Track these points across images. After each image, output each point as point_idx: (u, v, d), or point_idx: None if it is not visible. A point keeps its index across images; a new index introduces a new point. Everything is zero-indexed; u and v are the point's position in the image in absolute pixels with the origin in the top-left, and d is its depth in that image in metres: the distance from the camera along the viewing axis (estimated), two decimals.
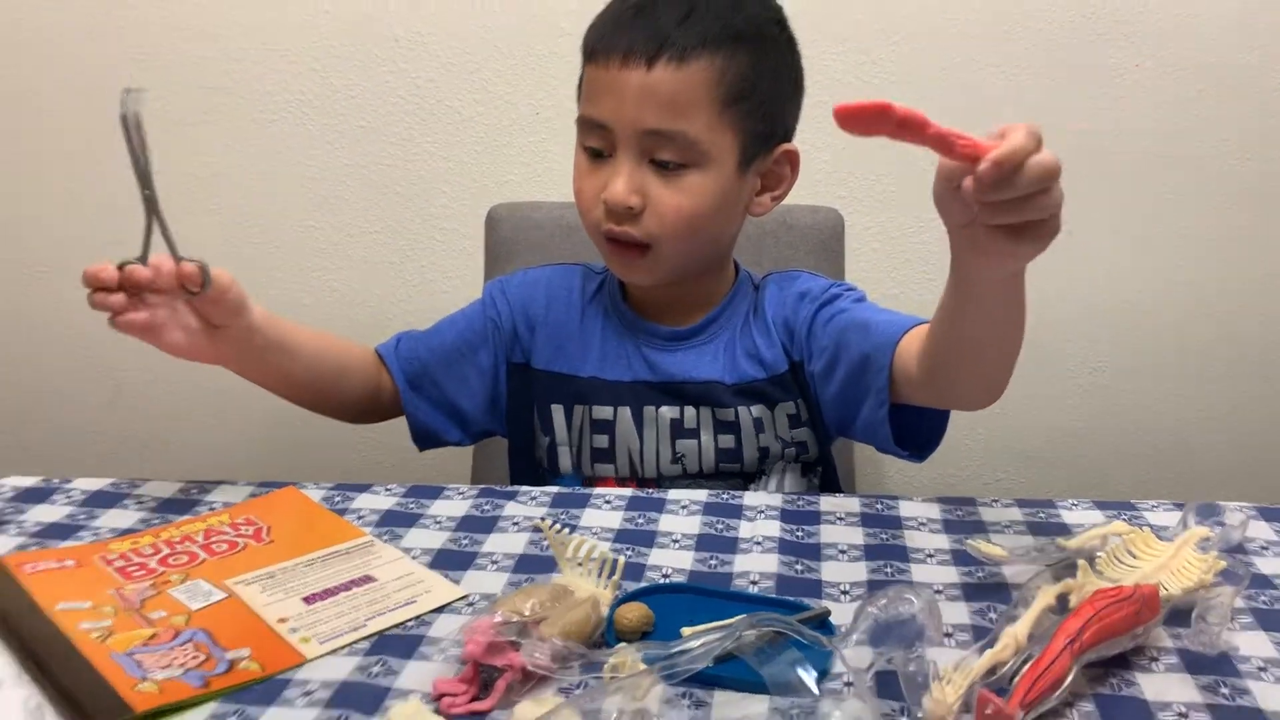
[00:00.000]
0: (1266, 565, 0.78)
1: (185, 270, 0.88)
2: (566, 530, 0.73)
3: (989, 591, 0.74)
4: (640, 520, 0.85)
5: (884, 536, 0.83)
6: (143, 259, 0.87)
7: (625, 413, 1.03)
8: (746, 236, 1.37)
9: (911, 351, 0.88)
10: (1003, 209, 0.61)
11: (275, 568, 0.78)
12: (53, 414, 1.83)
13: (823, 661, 0.63)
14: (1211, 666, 0.65)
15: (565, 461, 1.05)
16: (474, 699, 0.61)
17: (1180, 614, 0.69)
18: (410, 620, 0.71)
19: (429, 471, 1.44)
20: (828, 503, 0.89)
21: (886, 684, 0.62)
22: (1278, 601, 0.73)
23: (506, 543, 0.82)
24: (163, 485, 0.92)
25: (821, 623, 0.69)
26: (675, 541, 0.82)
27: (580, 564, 0.72)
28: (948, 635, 0.68)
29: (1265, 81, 1.54)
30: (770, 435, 1.02)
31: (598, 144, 0.94)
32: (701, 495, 0.90)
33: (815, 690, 0.58)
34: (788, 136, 1.01)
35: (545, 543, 0.81)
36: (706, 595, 0.73)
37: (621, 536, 0.83)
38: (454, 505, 0.89)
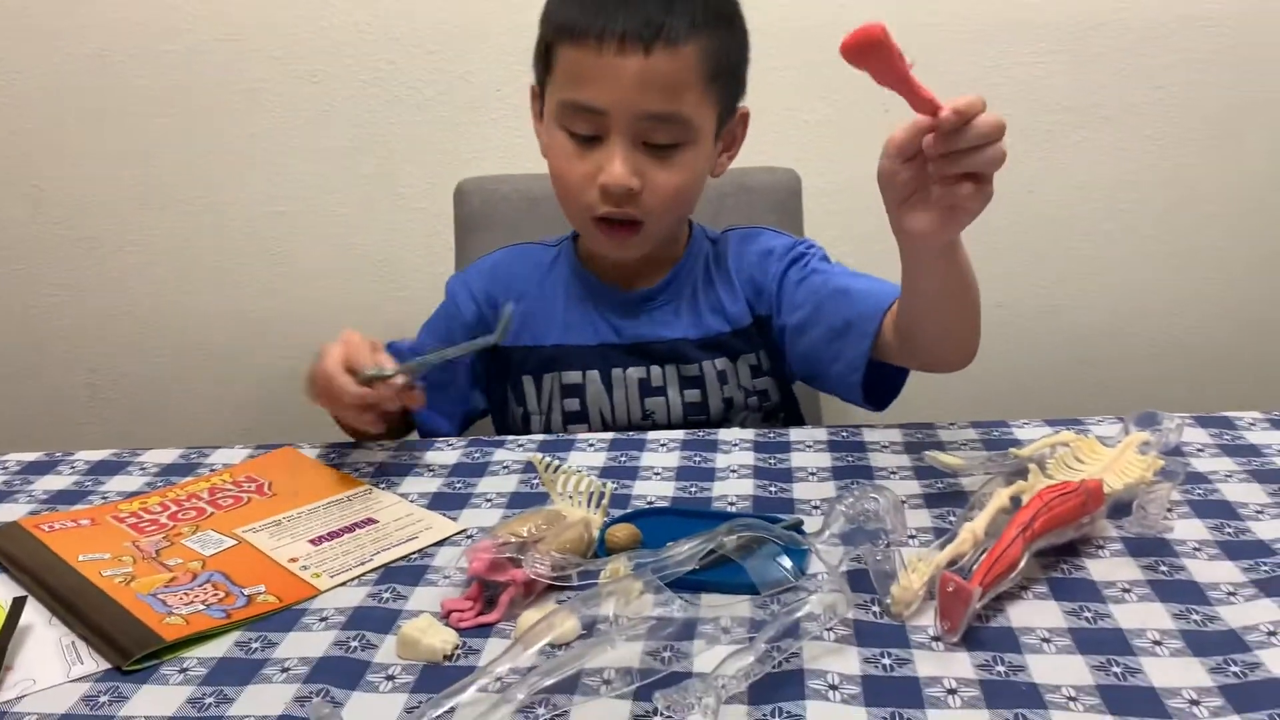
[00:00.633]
0: (1202, 464, 0.84)
1: (414, 397, 0.92)
2: (557, 462, 0.78)
3: (948, 499, 0.80)
4: (623, 458, 0.91)
5: (850, 459, 0.89)
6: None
7: (594, 375, 1.07)
8: (706, 199, 1.41)
9: (888, 321, 0.94)
10: (955, 159, 0.72)
11: (281, 516, 0.82)
12: (31, 411, 1.86)
13: (799, 560, 0.68)
14: (1152, 549, 0.71)
15: (538, 429, 1.09)
16: (480, 614, 0.67)
17: (1123, 508, 0.75)
18: (414, 554, 0.76)
19: None
20: (797, 433, 0.94)
21: (857, 580, 0.67)
22: (1212, 494, 0.79)
23: (499, 484, 0.87)
24: (163, 453, 0.96)
25: (796, 530, 0.74)
26: (657, 474, 0.87)
27: (571, 497, 0.77)
28: (911, 537, 0.74)
29: None
30: (734, 386, 1.07)
31: (588, 129, 0.95)
32: (679, 434, 0.96)
33: (794, 577, 0.63)
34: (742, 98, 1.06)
35: (537, 481, 0.86)
36: (689, 516, 0.79)
37: (606, 472, 0.88)
38: (445, 455, 0.93)
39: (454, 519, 0.81)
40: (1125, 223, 1.70)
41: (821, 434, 0.94)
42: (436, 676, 0.61)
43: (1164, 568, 0.69)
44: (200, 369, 1.83)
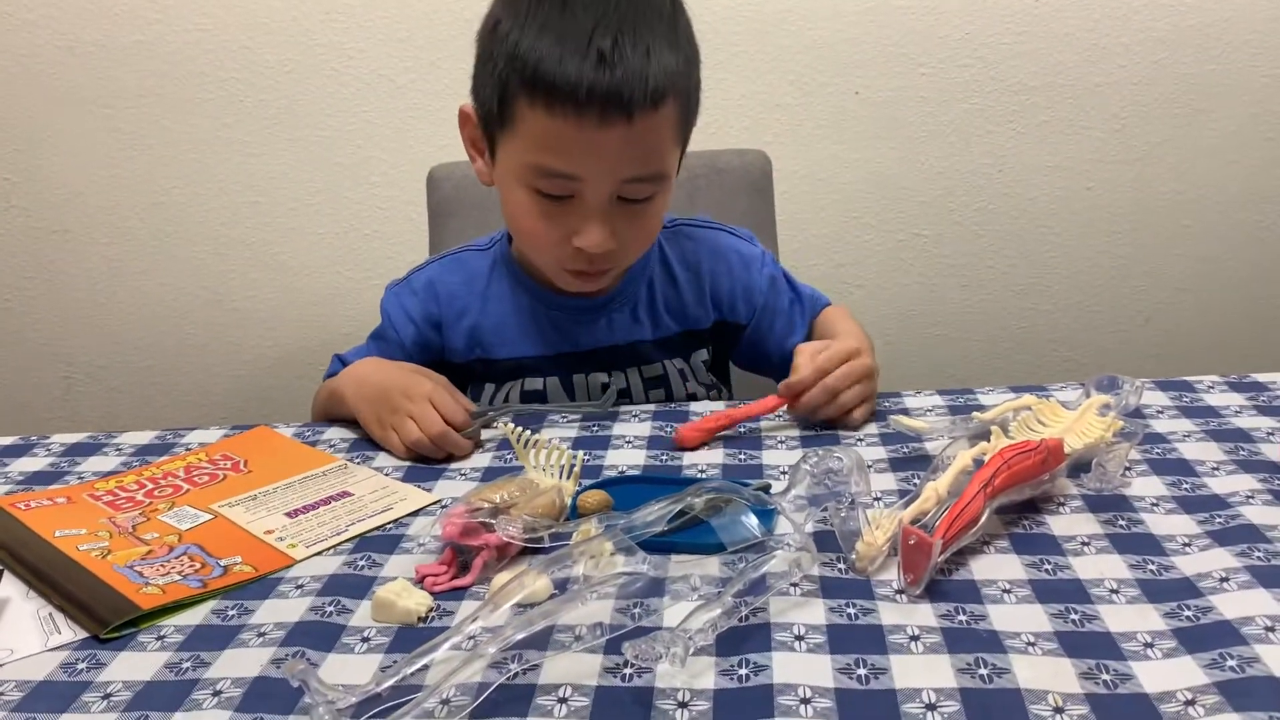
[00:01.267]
0: (1161, 425, 0.86)
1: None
2: (529, 433, 0.79)
3: (913, 463, 0.82)
4: (595, 428, 0.92)
5: (817, 428, 0.90)
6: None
7: (555, 381, 1.05)
8: (678, 183, 1.43)
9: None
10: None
11: (256, 491, 0.83)
12: (5, 405, 1.85)
13: (767, 520, 0.70)
14: (1111, 505, 0.73)
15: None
16: (454, 578, 0.68)
17: (1084, 467, 0.77)
18: (389, 524, 0.77)
19: None
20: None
21: (822, 540, 0.69)
22: (1170, 453, 0.81)
23: (474, 458, 0.88)
24: (139, 434, 0.97)
25: (763, 492, 0.75)
26: (629, 443, 0.88)
27: (544, 468, 0.78)
28: (876, 499, 0.76)
29: None
30: (695, 383, 1.08)
31: (559, 191, 0.89)
32: (650, 406, 0.97)
33: (760, 534, 0.64)
34: None
35: (511, 456, 0.87)
36: (660, 483, 0.80)
37: (578, 443, 0.89)
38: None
39: (428, 490, 0.82)
40: (1092, 201, 1.73)
41: None
42: (411, 638, 0.62)
43: (1122, 522, 0.71)
44: (177, 361, 1.83)
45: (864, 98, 1.67)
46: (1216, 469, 0.78)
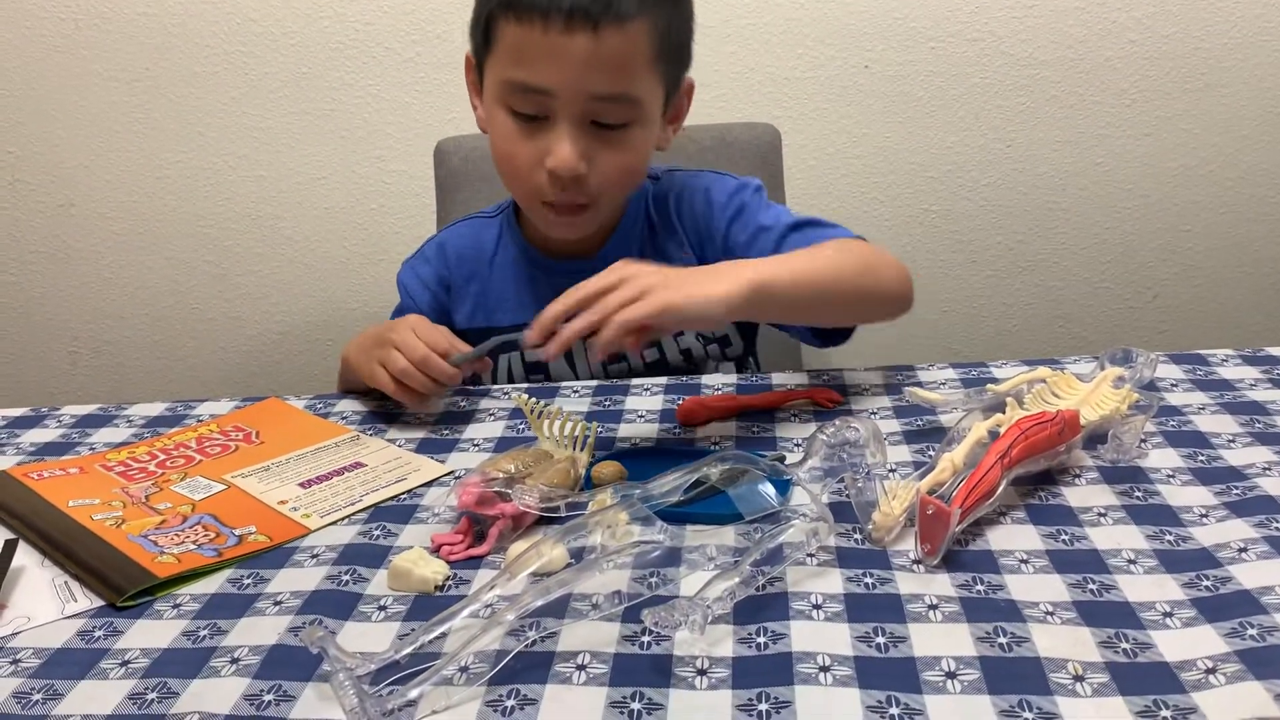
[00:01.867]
0: (1175, 399, 0.86)
1: (485, 364, 0.95)
2: (544, 404, 0.79)
3: (928, 435, 0.82)
4: (607, 402, 0.92)
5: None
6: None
7: None
8: (686, 155, 1.43)
9: None
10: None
11: (269, 462, 0.83)
12: (13, 381, 1.85)
13: (783, 490, 0.70)
14: (1127, 476, 0.73)
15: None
16: (470, 547, 0.67)
17: (1099, 440, 0.77)
18: (403, 494, 0.77)
19: None
20: (779, 377, 0.95)
21: (839, 511, 0.69)
22: (1185, 425, 0.81)
23: (486, 429, 0.88)
24: (150, 406, 0.97)
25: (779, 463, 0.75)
26: (641, 416, 0.88)
27: (557, 440, 0.78)
28: (891, 470, 0.76)
29: None
30: (690, 337, 1.05)
31: (532, 109, 0.91)
32: (662, 379, 0.97)
33: (777, 503, 0.64)
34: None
35: (524, 427, 0.87)
36: (674, 455, 0.80)
37: (591, 416, 0.89)
38: (431, 404, 0.94)
39: (442, 461, 0.82)
40: (1102, 176, 1.72)
41: (803, 377, 0.95)
42: (428, 607, 0.62)
43: (1139, 493, 0.70)
44: (183, 336, 1.83)
45: (874, 72, 1.65)
46: (1233, 441, 0.78)
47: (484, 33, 0.93)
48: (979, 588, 0.60)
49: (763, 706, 0.51)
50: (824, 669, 0.53)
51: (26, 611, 0.64)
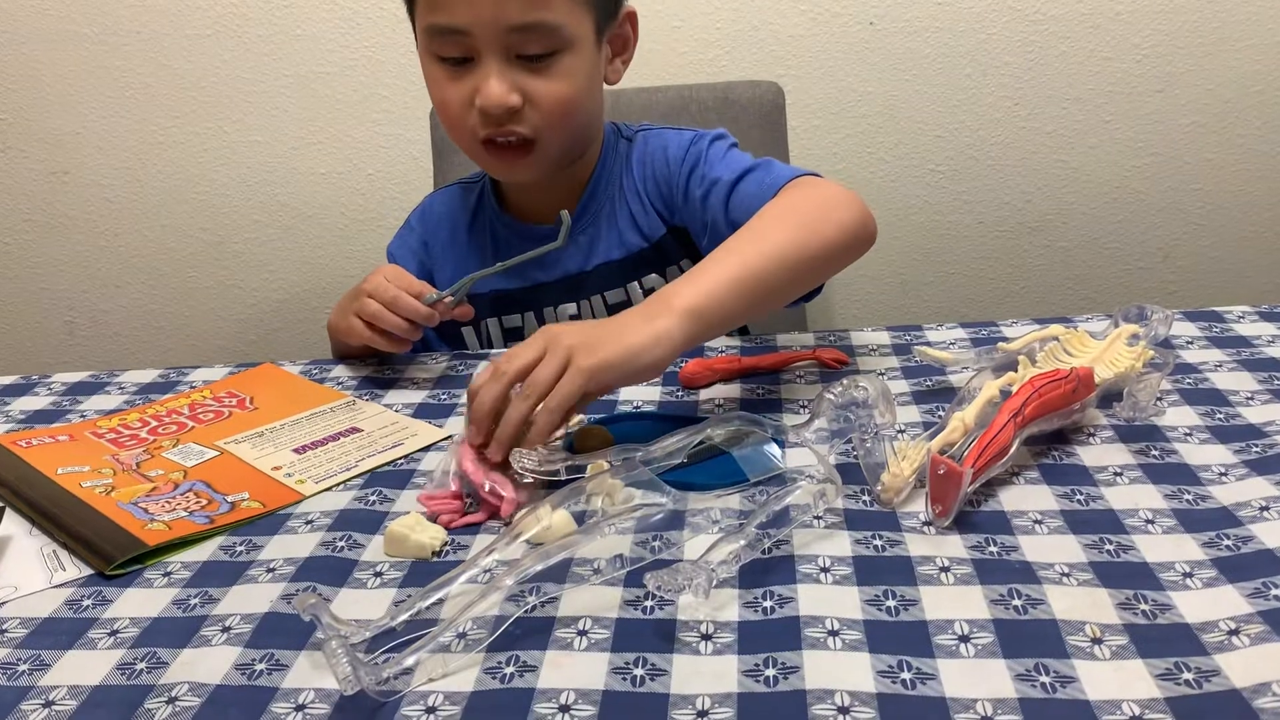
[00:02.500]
0: (1191, 356, 0.84)
1: (465, 311, 0.93)
2: None
3: (937, 395, 0.80)
4: None
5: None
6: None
7: (530, 317, 1.04)
8: (689, 116, 1.40)
9: None
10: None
11: (263, 428, 0.81)
12: (8, 350, 1.84)
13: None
14: (1143, 435, 0.71)
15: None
16: (466, 513, 0.66)
17: (1114, 398, 0.75)
18: (400, 459, 0.75)
19: None
20: (784, 338, 0.93)
21: (847, 473, 0.67)
22: (1202, 383, 0.79)
23: None
24: (142, 373, 0.95)
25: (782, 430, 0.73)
26: None
27: None
28: (901, 431, 0.74)
29: None
30: None
31: (456, 52, 0.90)
32: None
33: (782, 465, 0.62)
34: None
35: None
36: (670, 420, 0.78)
37: None
38: (429, 369, 0.92)
39: (439, 426, 0.80)
40: (1111, 134, 1.69)
41: (809, 338, 0.93)
42: (425, 573, 0.60)
43: (1155, 452, 0.69)
44: (179, 304, 1.81)
45: (878, 28, 1.62)
46: (1251, 398, 0.75)
47: None
48: (992, 549, 0.58)
49: (770, 671, 0.49)
50: (833, 633, 0.52)
51: (14, 581, 0.62)
